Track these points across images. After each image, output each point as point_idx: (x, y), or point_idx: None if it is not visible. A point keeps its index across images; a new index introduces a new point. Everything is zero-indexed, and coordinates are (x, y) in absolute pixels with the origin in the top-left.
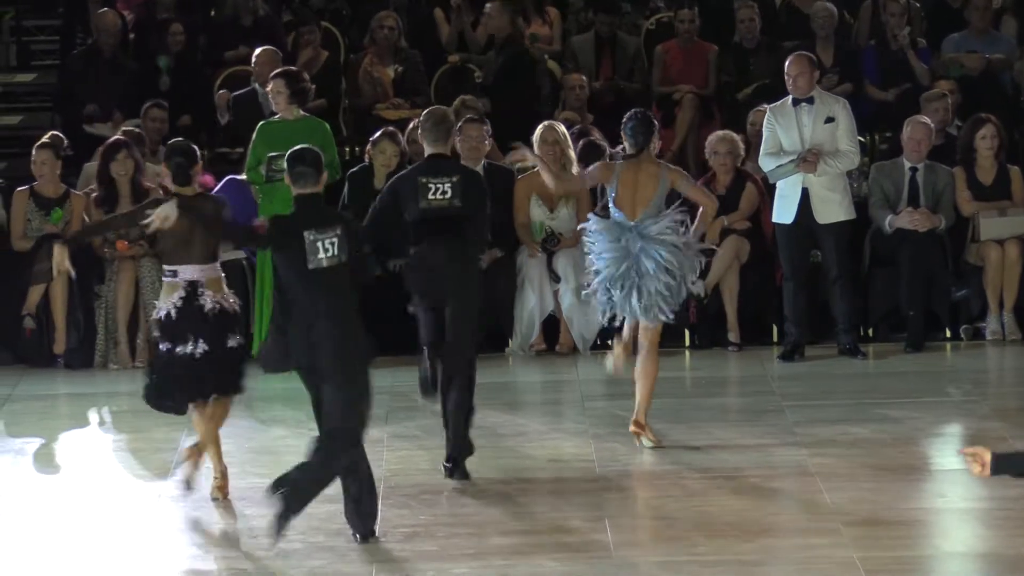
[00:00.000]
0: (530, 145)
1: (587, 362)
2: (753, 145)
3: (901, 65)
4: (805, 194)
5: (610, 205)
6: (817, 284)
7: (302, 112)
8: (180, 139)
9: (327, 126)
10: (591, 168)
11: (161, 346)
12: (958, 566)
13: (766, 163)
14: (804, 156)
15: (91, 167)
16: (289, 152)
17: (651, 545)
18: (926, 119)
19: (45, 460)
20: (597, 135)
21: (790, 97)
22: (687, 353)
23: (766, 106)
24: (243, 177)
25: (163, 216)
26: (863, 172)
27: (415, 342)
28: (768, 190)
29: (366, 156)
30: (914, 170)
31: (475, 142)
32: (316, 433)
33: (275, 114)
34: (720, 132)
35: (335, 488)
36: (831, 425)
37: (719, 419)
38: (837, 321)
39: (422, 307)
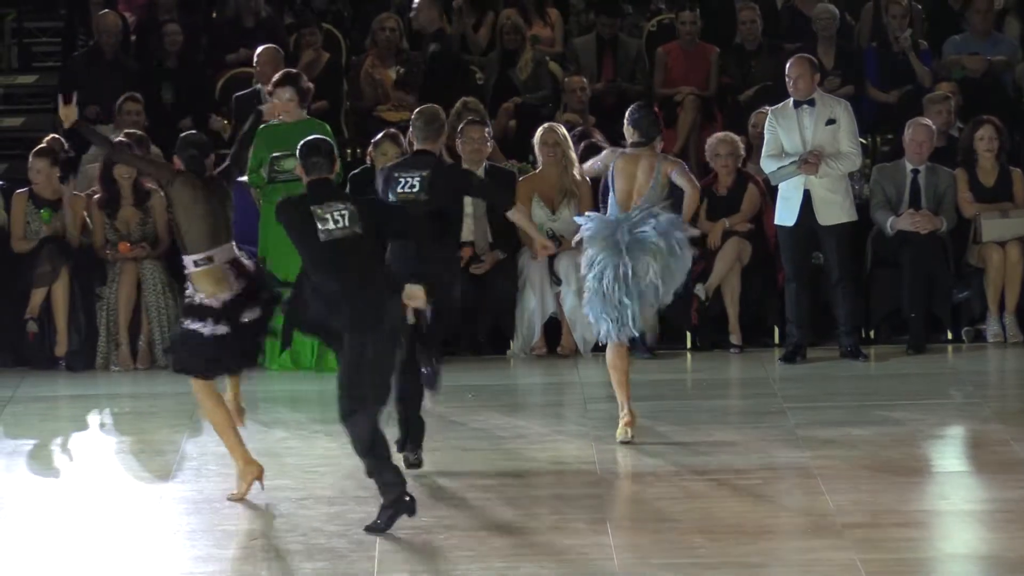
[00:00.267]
0: (531, 148)
1: (588, 364)
2: (755, 147)
3: (903, 67)
4: (807, 196)
5: (610, 199)
6: (819, 286)
7: (303, 114)
8: (192, 131)
9: (328, 127)
10: (599, 157)
11: (214, 327)
12: (960, 568)
13: (767, 165)
14: (805, 158)
15: (91, 168)
16: (303, 142)
17: (652, 547)
18: (928, 121)
19: (46, 462)
20: (599, 137)
21: (791, 99)
22: (688, 355)
23: (767, 108)
24: (244, 179)
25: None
26: (864, 174)
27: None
28: (770, 192)
29: (367, 157)
30: (916, 172)
31: (477, 144)
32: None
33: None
34: (720, 134)
35: (335, 488)
36: (832, 427)
37: (720, 421)
38: (838, 323)
39: None
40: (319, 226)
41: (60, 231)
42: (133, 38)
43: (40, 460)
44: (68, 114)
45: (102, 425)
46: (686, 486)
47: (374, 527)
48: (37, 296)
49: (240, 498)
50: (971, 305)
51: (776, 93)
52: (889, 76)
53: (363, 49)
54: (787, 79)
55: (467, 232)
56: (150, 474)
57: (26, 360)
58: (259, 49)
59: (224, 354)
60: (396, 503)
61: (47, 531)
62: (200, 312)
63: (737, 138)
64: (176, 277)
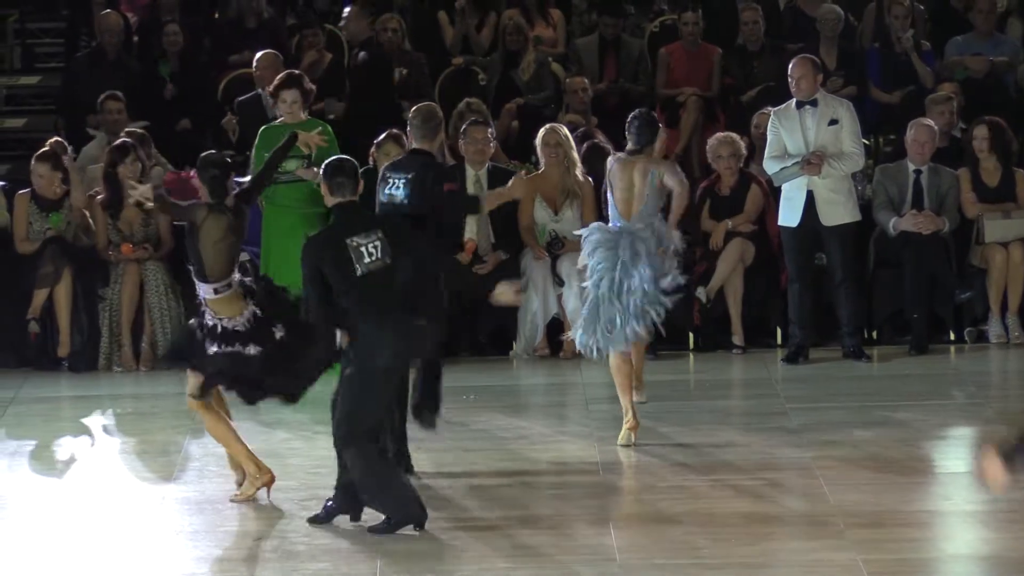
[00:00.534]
0: (533, 148)
1: (591, 365)
2: (757, 148)
3: (905, 67)
4: (810, 196)
5: (609, 206)
6: (822, 287)
7: (304, 115)
8: (212, 151)
9: (330, 128)
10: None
11: (235, 347)
12: (962, 569)
13: (770, 166)
14: (808, 159)
15: (94, 169)
16: (328, 162)
17: (654, 548)
18: (930, 121)
19: (49, 463)
20: (601, 138)
21: (794, 100)
22: (691, 356)
23: (770, 109)
24: (245, 180)
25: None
26: (867, 174)
27: None
28: (773, 192)
29: (370, 158)
30: (918, 172)
31: (480, 144)
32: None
33: (277, 117)
34: (720, 134)
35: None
36: (835, 427)
37: (723, 421)
38: (841, 323)
39: None
40: (354, 260)
41: (68, 233)
42: (135, 38)
43: (42, 461)
44: (145, 193)
45: (104, 426)
46: (688, 486)
47: (377, 528)
48: (39, 297)
49: (243, 500)
50: (973, 306)
51: (778, 94)
52: (891, 77)
53: None
54: (790, 80)
55: (470, 231)
56: (152, 475)
57: (29, 361)
58: (258, 54)
59: (267, 374)
60: (406, 516)
61: (49, 531)
62: (230, 337)
63: (738, 138)
64: (178, 279)
